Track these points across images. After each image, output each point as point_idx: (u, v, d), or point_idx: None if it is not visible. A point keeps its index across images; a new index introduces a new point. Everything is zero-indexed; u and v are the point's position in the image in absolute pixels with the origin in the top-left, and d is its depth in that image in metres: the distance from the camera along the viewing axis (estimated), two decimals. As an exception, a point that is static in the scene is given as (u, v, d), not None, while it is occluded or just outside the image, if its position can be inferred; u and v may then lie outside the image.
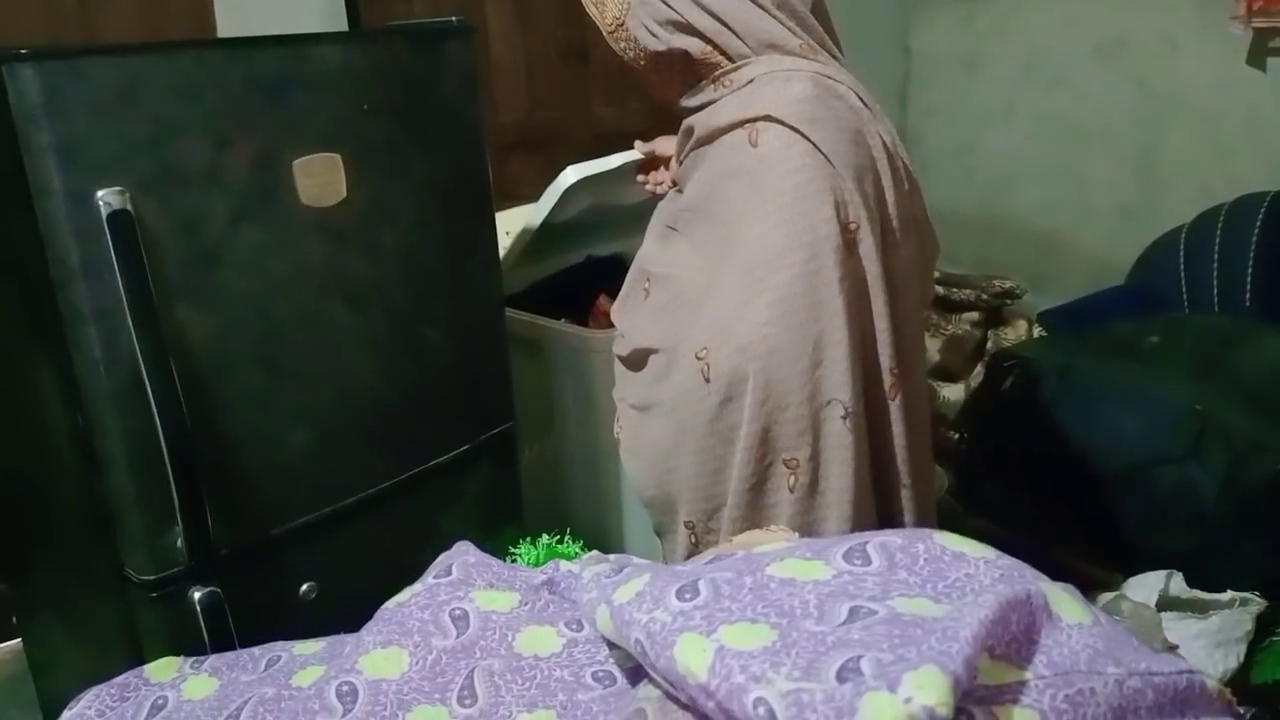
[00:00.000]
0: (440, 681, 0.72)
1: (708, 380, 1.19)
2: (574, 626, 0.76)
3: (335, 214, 1.34)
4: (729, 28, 1.22)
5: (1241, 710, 1.35)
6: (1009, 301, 2.79)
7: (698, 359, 1.21)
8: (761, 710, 0.49)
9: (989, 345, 2.70)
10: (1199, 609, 1.60)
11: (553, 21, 2.90)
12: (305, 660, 0.84)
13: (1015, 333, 2.73)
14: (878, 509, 1.29)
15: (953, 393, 2.51)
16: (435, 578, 0.84)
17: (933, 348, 2.58)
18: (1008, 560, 0.62)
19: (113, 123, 1.12)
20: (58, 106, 1.09)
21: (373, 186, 1.37)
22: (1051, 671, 0.51)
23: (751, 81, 1.23)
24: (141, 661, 1.26)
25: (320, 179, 1.31)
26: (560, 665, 0.72)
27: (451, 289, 1.52)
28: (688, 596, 0.60)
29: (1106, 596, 1.63)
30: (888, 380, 1.25)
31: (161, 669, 0.92)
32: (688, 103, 1.30)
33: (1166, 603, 1.60)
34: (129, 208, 1.12)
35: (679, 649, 0.56)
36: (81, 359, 1.16)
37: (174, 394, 1.17)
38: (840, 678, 0.49)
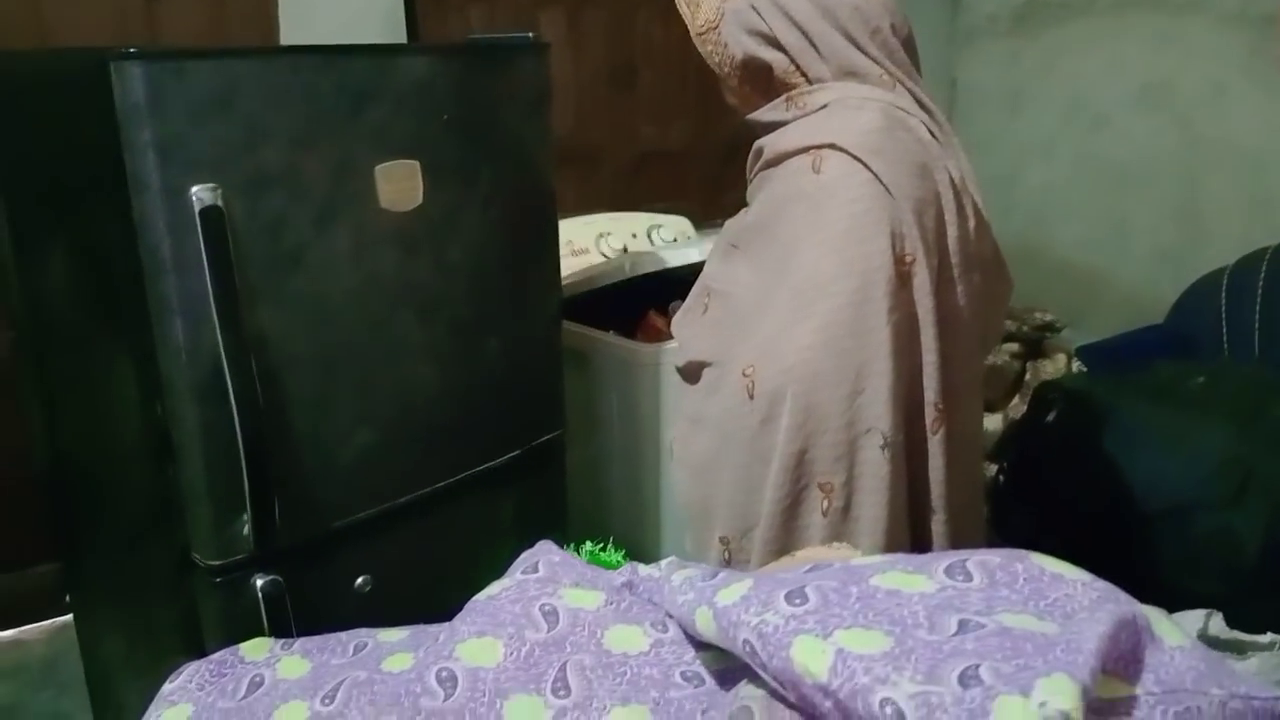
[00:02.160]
0: (534, 673, 0.74)
1: (752, 397, 1.21)
2: (659, 628, 0.79)
3: (410, 220, 1.37)
4: (815, 49, 1.24)
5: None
6: (1049, 335, 2.81)
7: (744, 376, 1.22)
8: (889, 710, 0.51)
9: (1028, 377, 2.72)
10: (1238, 649, 1.60)
11: (603, 43, 2.94)
12: (392, 647, 0.87)
13: (1054, 366, 2.74)
14: (911, 540, 1.29)
15: (990, 423, 2.53)
16: (523, 573, 0.87)
17: (970, 378, 2.60)
18: (1103, 584, 0.64)
19: (209, 123, 1.16)
20: (160, 105, 1.12)
21: (445, 197, 1.41)
22: (1161, 689, 0.53)
23: (824, 107, 1.25)
24: (199, 645, 1.30)
25: (400, 184, 1.35)
26: (649, 664, 0.75)
27: (513, 301, 1.55)
28: (797, 602, 0.63)
29: (1144, 634, 1.63)
30: (930, 415, 1.25)
31: (255, 648, 0.95)
32: (759, 117, 1.32)
33: (1206, 641, 1.61)
34: (221, 204, 1.16)
35: (796, 650, 0.58)
36: (165, 350, 1.20)
37: (252, 388, 1.21)
38: (963, 684, 0.51)
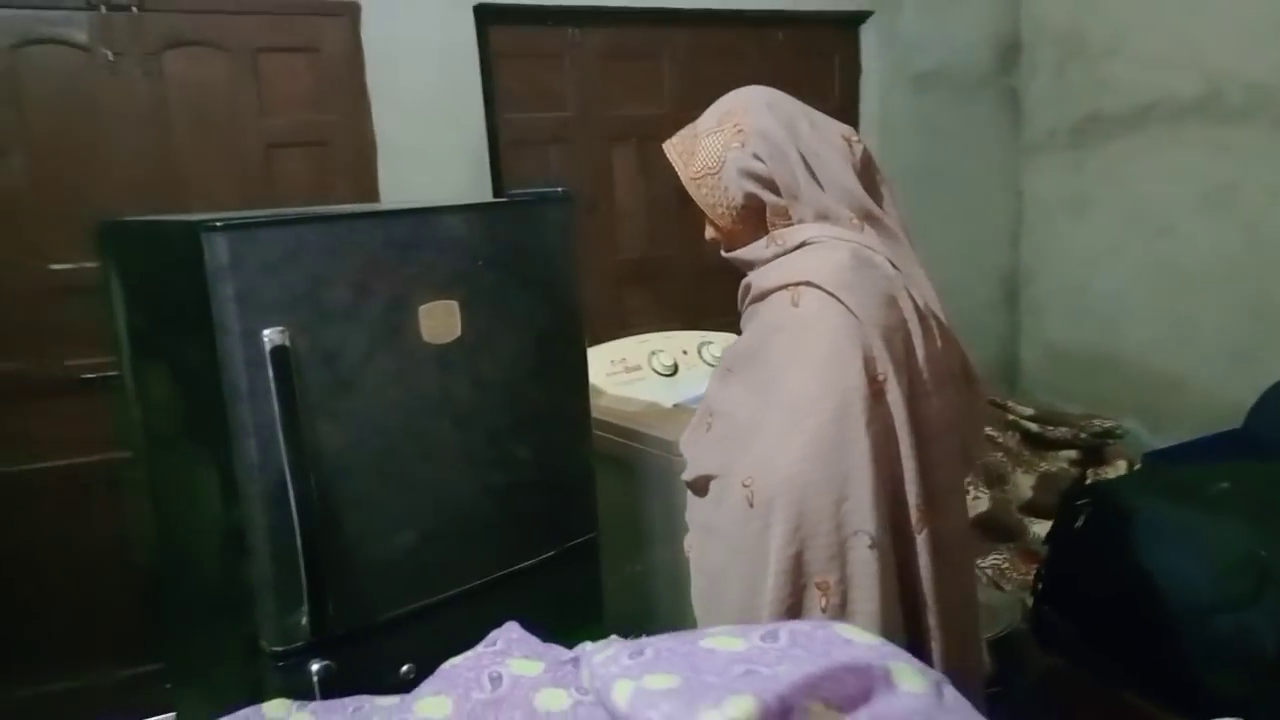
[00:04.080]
0: (474, 724, 0.90)
1: (752, 506, 1.34)
2: (583, 692, 0.93)
3: (449, 349, 1.61)
4: (799, 196, 1.41)
5: None
6: (1109, 441, 2.81)
7: (744, 487, 1.36)
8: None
9: (1089, 484, 2.72)
10: (1265, 758, 1.59)
11: (671, 172, 3.20)
12: (377, 708, 1.04)
13: (1115, 472, 2.74)
14: (908, 634, 1.39)
15: (1043, 529, 2.54)
16: (484, 647, 1.04)
17: (1025, 484, 2.63)
18: (891, 648, 0.76)
19: (280, 276, 1.43)
20: (240, 264, 1.40)
21: (481, 326, 1.64)
22: (869, 720, 0.65)
23: (801, 245, 1.42)
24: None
25: (440, 321, 1.59)
26: (566, 719, 0.89)
27: (543, 413, 1.76)
28: (635, 656, 0.77)
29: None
30: (914, 515, 1.37)
31: (275, 707, 1.15)
32: (740, 255, 1.47)
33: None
34: (288, 344, 1.42)
35: (615, 689, 0.73)
36: (240, 465, 1.44)
37: (311, 496, 1.44)
38: (703, 708, 0.65)
